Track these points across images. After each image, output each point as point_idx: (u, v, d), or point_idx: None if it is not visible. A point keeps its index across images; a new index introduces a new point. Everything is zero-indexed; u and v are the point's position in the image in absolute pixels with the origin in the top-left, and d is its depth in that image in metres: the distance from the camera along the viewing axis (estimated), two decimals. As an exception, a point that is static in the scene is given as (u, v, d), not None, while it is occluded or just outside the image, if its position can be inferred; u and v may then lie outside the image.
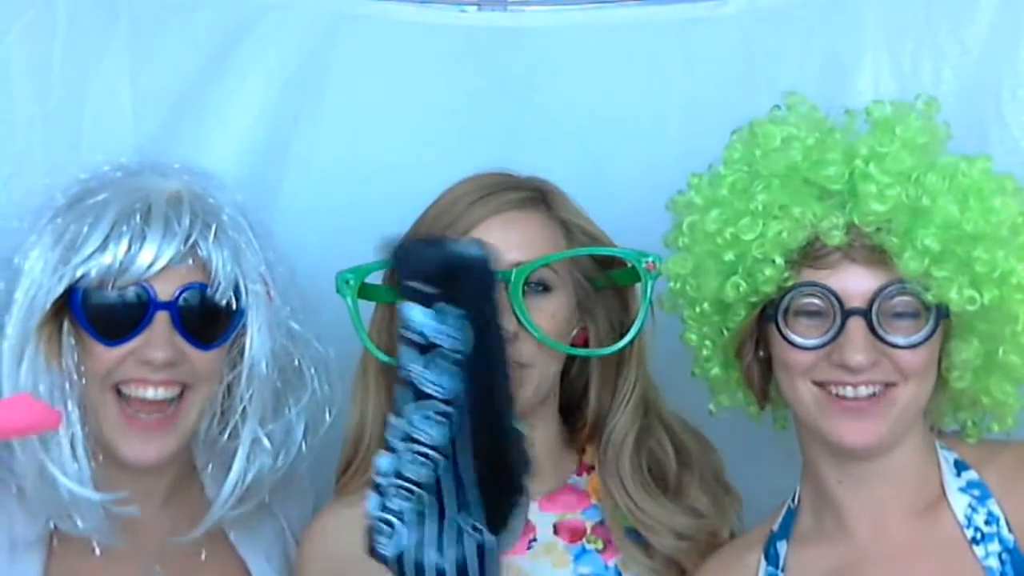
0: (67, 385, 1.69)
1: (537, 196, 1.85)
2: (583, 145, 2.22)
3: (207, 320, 1.73)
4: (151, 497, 1.78)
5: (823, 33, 2.18)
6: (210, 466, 1.81)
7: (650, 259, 1.80)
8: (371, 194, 2.19)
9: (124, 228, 1.67)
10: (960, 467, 1.71)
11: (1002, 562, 1.63)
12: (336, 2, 2.25)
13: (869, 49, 2.17)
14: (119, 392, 1.71)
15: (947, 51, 2.14)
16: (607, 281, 1.89)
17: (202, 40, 2.20)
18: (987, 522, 1.65)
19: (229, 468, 1.77)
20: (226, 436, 1.79)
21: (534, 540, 1.82)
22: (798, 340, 1.64)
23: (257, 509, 1.84)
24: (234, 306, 1.74)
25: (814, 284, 1.62)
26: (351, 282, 1.79)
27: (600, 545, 1.84)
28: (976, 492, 1.68)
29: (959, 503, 1.67)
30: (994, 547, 1.64)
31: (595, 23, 2.26)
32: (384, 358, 1.82)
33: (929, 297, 1.61)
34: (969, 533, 1.65)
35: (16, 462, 1.67)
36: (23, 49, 2.14)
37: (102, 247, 1.66)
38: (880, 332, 1.60)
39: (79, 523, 1.68)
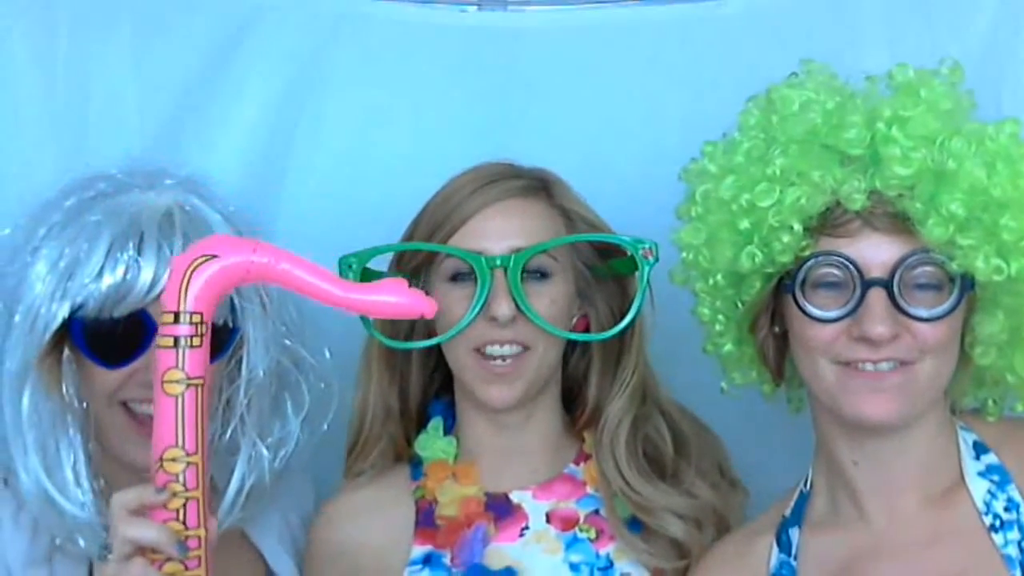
0: (68, 414, 1.69)
1: (538, 184, 1.85)
2: (583, 145, 2.21)
3: None
4: None
5: (823, 33, 2.18)
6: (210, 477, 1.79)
7: (647, 246, 1.80)
8: (372, 193, 2.19)
9: (119, 255, 1.66)
10: (979, 449, 1.66)
11: (1022, 551, 1.58)
12: (337, 2, 2.24)
13: (869, 49, 2.16)
14: (126, 405, 1.71)
15: (947, 51, 2.12)
16: (608, 270, 1.88)
17: (204, 39, 2.20)
18: (1007, 509, 1.60)
19: (229, 480, 1.77)
20: (224, 446, 1.78)
21: (526, 528, 1.82)
22: (816, 312, 1.59)
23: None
24: (231, 324, 1.73)
25: (832, 253, 1.57)
26: (354, 266, 1.78)
27: (592, 534, 1.82)
28: (996, 477, 1.63)
29: (978, 488, 1.62)
30: (1014, 535, 1.59)
31: (595, 23, 2.26)
32: (386, 341, 1.83)
33: (954, 266, 1.56)
34: (988, 520, 1.60)
35: (22, 486, 1.68)
36: (26, 49, 2.14)
37: (98, 276, 1.66)
38: (901, 303, 1.55)
39: (81, 543, 1.69)
